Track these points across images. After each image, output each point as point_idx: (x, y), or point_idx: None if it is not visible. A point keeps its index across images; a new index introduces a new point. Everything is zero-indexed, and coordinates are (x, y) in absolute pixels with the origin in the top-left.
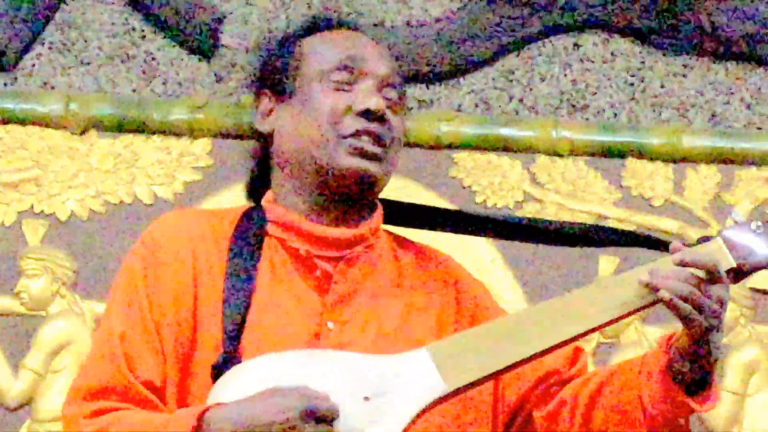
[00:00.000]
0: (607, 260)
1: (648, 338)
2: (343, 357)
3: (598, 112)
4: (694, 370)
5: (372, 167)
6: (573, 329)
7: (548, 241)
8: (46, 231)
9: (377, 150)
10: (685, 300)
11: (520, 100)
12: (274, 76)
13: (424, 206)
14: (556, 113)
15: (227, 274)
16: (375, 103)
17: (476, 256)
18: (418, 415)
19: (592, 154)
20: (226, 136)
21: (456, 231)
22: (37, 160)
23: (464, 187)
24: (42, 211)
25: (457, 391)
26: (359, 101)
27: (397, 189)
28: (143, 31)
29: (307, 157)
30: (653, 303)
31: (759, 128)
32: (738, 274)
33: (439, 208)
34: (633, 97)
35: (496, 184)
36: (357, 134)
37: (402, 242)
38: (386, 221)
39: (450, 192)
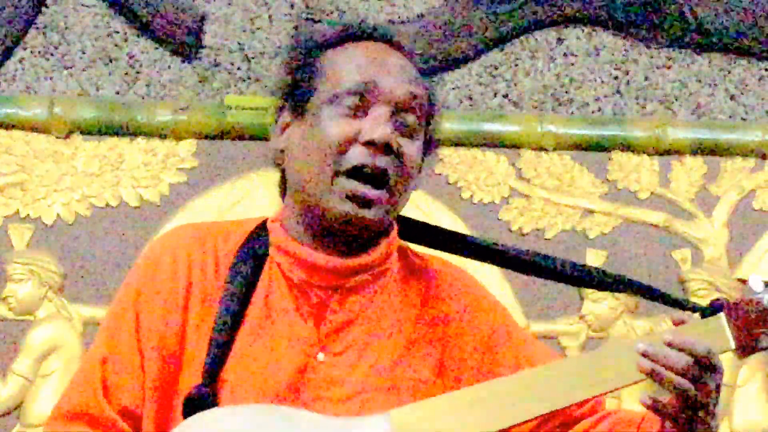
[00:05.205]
0: (594, 254)
1: (637, 332)
2: (300, 418)
3: (583, 106)
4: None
5: (365, 213)
6: (548, 404)
7: (555, 279)
8: (32, 235)
9: (374, 194)
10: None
11: (505, 96)
12: (293, 88)
13: (437, 228)
14: (540, 108)
15: (221, 302)
16: (380, 133)
17: None
18: None
19: (578, 148)
20: (210, 137)
21: (465, 256)
22: (22, 165)
23: (450, 184)
24: (28, 216)
25: None
26: (365, 131)
27: None
28: (126, 33)
29: (304, 190)
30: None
31: (743, 119)
32: (745, 349)
33: (452, 231)
34: (617, 90)
35: (482, 180)
36: (358, 170)
37: (415, 267)
38: (403, 237)
39: (436, 188)
